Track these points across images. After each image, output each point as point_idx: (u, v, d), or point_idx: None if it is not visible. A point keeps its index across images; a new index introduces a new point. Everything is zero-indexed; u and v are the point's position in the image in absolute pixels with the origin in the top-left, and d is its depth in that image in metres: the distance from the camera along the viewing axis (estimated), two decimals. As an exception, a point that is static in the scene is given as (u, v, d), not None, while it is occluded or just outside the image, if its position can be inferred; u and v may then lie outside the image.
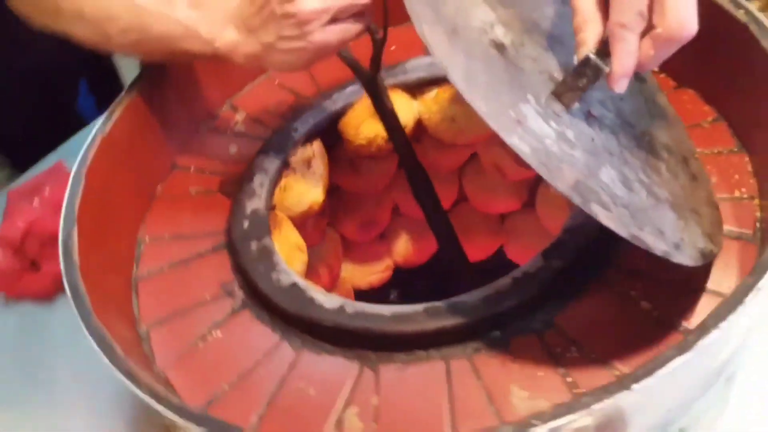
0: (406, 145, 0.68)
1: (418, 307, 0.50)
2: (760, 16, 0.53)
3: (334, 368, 0.50)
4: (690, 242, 0.45)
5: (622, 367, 0.45)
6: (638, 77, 0.53)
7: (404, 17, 0.79)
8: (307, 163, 0.69)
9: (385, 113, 0.65)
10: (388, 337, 0.49)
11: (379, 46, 0.59)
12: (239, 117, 0.74)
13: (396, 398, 0.48)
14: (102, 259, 0.57)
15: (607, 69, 0.42)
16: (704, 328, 0.37)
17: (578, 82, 0.44)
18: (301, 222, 0.69)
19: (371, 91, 0.63)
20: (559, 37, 0.50)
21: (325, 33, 0.53)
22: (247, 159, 0.68)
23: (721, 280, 0.48)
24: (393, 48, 0.78)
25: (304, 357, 0.52)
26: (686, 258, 0.43)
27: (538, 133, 0.43)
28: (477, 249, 0.97)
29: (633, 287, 0.49)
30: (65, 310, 0.65)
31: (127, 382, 0.45)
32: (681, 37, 0.40)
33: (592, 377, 0.45)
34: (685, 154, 0.53)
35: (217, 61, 0.57)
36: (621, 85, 0.43)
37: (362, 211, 0.91)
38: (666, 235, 0.43)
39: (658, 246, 0.42)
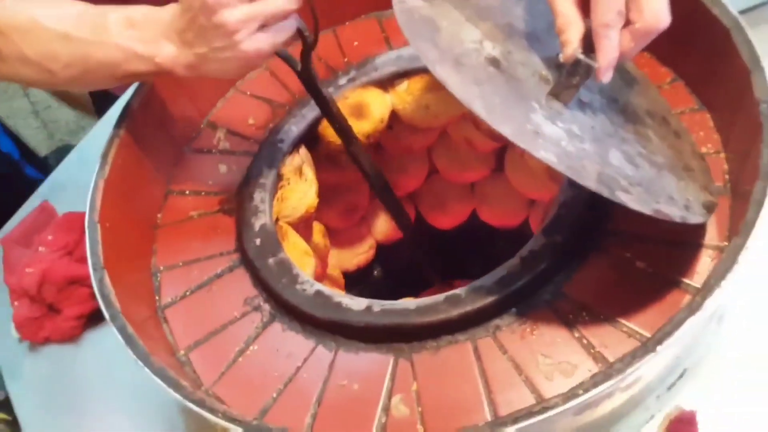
0: (344, 129, 0.69)
1: (439, 298, 0.54)
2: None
3: (372, 363, 0.54)
4: (695, 200, 0.50)
5: (629, 323, 0.51)
6: None
7: (358, 11, 0.83)
8: (298, 171, 0.71)
9: (322, 103, 0.66)
10: (417, 328, 0.54)
11: (308, 47, 0.60)
12: (220, 134, 0.76)
13: (433, 381, 0.52)
14: (128, 296, 0.59)
15: (595, 64, 0.47)
16: (708, 288, 0.42)
17: (572, 80, 0.48)
18: (298, 225, 0.72)
19: (305, 84, 0.64)
20: (534, 34, 0.54)
21: (254, 41, 0.54)
22: (237, 175, 0.71)
23: (702, 231, 0.54)
24: (356, 44, 0.81)
25: (341, 357, 0.55)
26: (698, 216, 0.48)
27: (554, 138, 0.47)
28: (452, 216, 1.02)
29: (627, 250, 0.54)
30: (92, 347, 0.68)
31: (191, 405, 0.48)
32: (657, 29, 0.45)
33: (604, 336, 0.50)
34: (663, 113, 0.58)
35: (161, 77, 0.59)
36: (608, 76, 0.47)
37: (343, 199, 0.95)
38: (676, 200, 0.48)
39: (675, 213, 0.46)
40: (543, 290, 0.54)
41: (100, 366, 0.67)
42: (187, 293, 0.63)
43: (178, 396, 0.48)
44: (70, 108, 1.92)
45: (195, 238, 0.67)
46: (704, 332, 0.51)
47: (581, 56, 0.47)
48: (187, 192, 0.71)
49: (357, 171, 0.87)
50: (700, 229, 0.54)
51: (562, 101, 0.50)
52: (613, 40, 0.46)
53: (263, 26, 0.54)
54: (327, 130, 0.74)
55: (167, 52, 0.56)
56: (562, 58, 0.48)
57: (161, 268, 0.66)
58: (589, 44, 0.47)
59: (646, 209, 0.45)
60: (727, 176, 0.56)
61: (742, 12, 0.68)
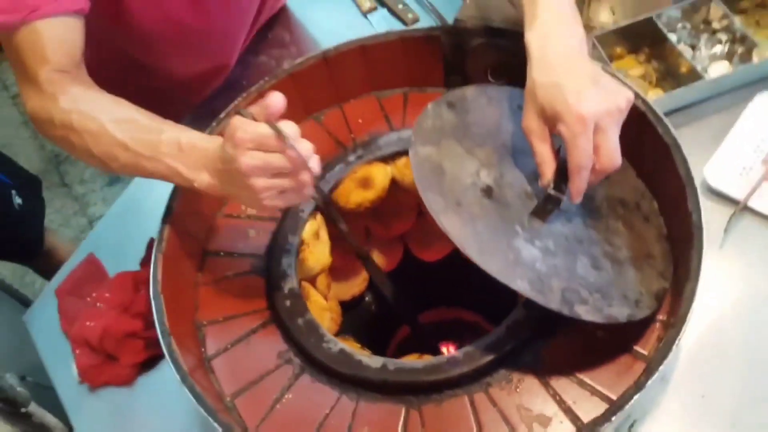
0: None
1: (443, 359, 0.64)
2: (656, 108, 0.68)
3: (387, 412, 0.64)
4: (647, 291, 0.60)
5: (592, 383, 0.61)
6: None
7: (360, 90, 0.91)
8: (316, 235, 0.80)
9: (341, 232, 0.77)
10: (425, 385, 0.64)
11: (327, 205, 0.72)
12: (248, 199, 0.84)
13: (437, 428, 0.62)
14: (183, 350, 0.67)
15: (564, 197, 0.58)
16: (662, 354, 0.53)
17: (548, 206, 0.59)
18: (314, 278, 0.81)
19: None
20: (521, 148, 0.64)
21: (273, 201, 0.60)
22: (264, 238, 0.79)
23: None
24: (360, 121, 0.90)
25: (362, 406, 0.65)
26: (645, 311, 0.59)
27: (530, 261, 0.57)
28: (436, 250, 1.12)
29: (589, 322, 0.64)
30: (144, 390, 0.77)
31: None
32: (612, 168, 0.57)
33: (573, 393, 0.61)
34: (637, 198, 0.68)
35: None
36: (579, 200, 0.58)
37: (342, 244, 1.04)
38: (629, 297, 0.59)
39: (624, 313, 0.58)
40: (525, 353, 0.64)
41: (151, 406, 0.75)
42: (229, 346, 0.72)
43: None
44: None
45: (231, 295, 0.76)
46: (651, 389, 0.62)
47: (552, 192, 0.58)
48: (222, 253, 0.80)
49: (360, 225, 0.97)
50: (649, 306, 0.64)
51: (542, 220, 0.60)
52: (585, 176, 0.56)
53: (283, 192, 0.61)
54: (339, 197, 0.83)
55: (204, 180, 0.63)
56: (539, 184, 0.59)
57: (204, 322, 0.74)
58: (561, 172, 0.58)
59: (598, 318, 0.57)
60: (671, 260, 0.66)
61: (668, 113, 0.78)
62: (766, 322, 0.66)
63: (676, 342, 0.54)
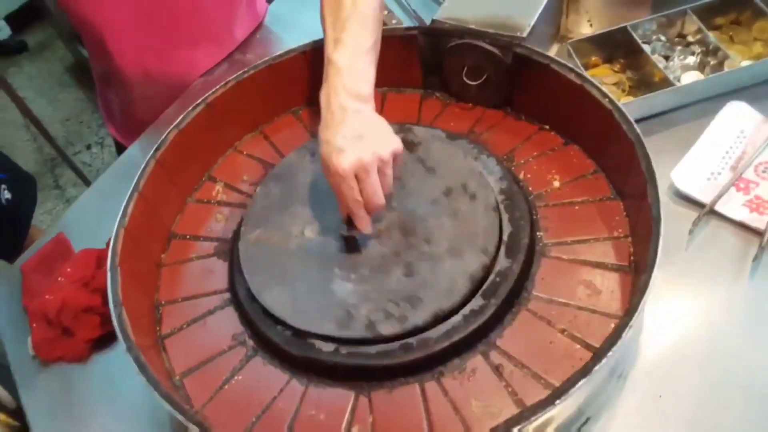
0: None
1: (395, 345, 0.60)
2: (620, 104, 0.66)
3: (336, 397, 0.60)
4: (462, 275, 0.62)
5: (545, 376, 0.57)
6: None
7: (278, 111, 0.88)
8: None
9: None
10: (376, 370, 0.60)
11: None
12: (219, 187, 0.81)
13: (386, 416, 0.58)
14: (137, 326, 0.64)
15: (356, 234, 0.65)
16: (611, 342, 0.50)
17: (349, 243, 0.67)
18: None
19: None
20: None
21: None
22: (232, 223, 0.77)
23: (610, 303, 0.61)
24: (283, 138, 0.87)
25: (311, 390, 0.61)
26: (456, 297, 0.60)
27: (343, 298, 0.63)
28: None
29: (548, 312, 0.61)
30: (98, 368, 0.73)
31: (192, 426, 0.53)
32: (378, 208, 0.63)
33: (525, 385, 0.57)
34: (463, 180, 0.69)
35: None
36: (367, 230, 0.64)
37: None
38: (440, 290, 0.61)
39: (431, 310, 0.60)
40: (480, 343, 0.60)
41: (104, 384, 0.71)
42: (184, 326, 0.68)
43: (180, 417, 0.53)
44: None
45: (193, 277, 0.73)
46: (605, 385, 0.58)
47: (344, 233, 0.65)
48: (188, 237, 0.77)
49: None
50: (611, 302, 0.61)
51: (355, 252, 0.66)
52: (360, 215, 0.63)
53: None
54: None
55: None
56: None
57: (163, 302, 0.71)
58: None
59: (399, 329, 0.59)
60: (632, 257, 0.63)
61: (640, 120, 0.76)
62: (727, 324, 0.62)
63: (626, 330, 0.50)
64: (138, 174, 0.72)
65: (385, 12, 1.02)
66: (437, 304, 0.60)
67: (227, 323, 0.68)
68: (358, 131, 0.62)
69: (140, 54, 0.96)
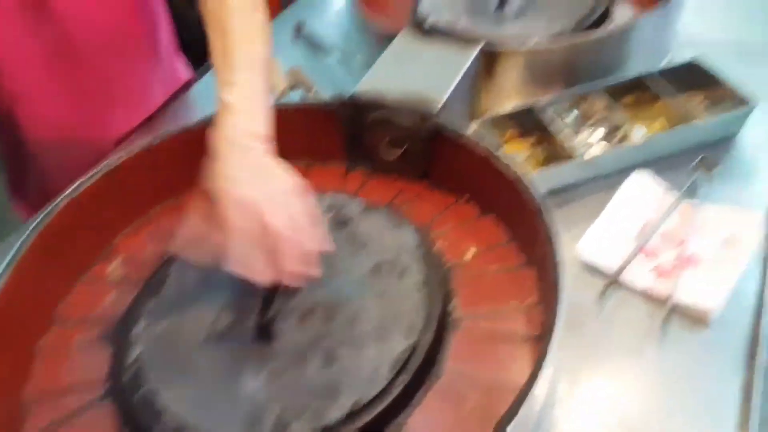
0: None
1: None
2: (527, 176, 0.64)
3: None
4: (387, 360, 0.55)
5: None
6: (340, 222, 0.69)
7: (156, 201, 0.81)
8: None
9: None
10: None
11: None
12: (114, 265, 0.74)
13: None
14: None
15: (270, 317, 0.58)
16: (503, 424, 0.45)
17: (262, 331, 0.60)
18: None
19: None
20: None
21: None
22: (124, 302, 0.69)
23: (521, 372, 0.56)
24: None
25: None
26: (378, 386, 0.54)
27: (252, 396, 0.54)
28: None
29: (458, 385, 0.56)
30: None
31: None
32: (297, 281, 0.57)
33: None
34: (393, 256, 0.65)
35: None
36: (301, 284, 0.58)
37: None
38: (362, 377, 0.54)
39: (348, 403, 0.53)
40: (391, 424, 0.54)
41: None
42: (51, 426, 0.59)
43: None
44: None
45: (71, 367, 0.64)
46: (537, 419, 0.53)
47: (259, 320, 0.58)
48: (73, 320, 0.69)
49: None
50: (521, 371, 0.56)
51: (269, 341, 0.58)
52: (294, 279, 0.57)
53: None
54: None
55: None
56: None
57: (31, 398, 0.61)
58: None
59: (316, 426, 0.52)
60: (542, 325, 0.59)
61: (554, 193, 0.76)
62: (640, 393, 0.60)
63: (523, 402, 0.46)
64: (15, 247, 0.64)
65: (315, 89, 1.01)
66: (355, 398, 0.53)
67: (102, 421, 0.58)
68: (250, 166, 0.58)
69: (51, 121, 0.91)
